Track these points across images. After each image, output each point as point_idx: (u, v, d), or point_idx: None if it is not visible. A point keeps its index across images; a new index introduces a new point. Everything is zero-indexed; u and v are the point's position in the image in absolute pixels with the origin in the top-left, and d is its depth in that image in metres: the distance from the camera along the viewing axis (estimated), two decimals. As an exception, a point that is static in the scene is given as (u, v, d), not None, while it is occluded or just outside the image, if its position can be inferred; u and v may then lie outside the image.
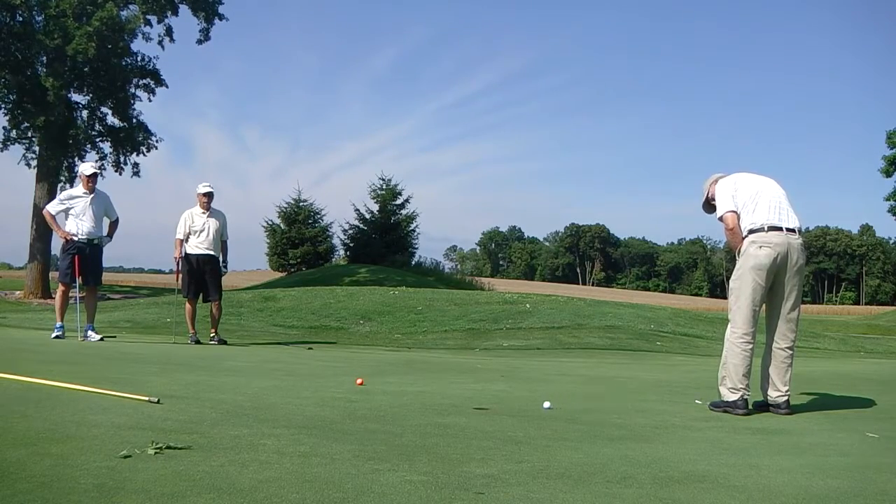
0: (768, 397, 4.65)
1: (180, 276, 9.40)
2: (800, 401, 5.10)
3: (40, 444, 2.96)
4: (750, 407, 4.60)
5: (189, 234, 9.31)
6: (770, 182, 4.78)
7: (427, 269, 38.54)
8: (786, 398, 4.61)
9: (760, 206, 4.59)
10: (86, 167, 9.10)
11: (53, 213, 8.85)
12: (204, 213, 9.34)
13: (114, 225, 9.06)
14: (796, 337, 4.65)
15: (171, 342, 9.23)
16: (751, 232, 4.56)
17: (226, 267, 9.64)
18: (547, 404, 4.60)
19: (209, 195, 9.35)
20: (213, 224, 9.34)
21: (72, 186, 27.73)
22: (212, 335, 9.40)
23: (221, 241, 9.50)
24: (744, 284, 4.54)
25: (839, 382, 6.49)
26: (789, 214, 4.61)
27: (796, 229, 4.58)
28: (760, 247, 4.49)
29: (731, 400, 4.56)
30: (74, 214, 8.65)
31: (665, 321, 15.78)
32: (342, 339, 11.91)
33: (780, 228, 4.53)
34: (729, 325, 4.63)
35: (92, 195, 8.78)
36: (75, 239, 8.61)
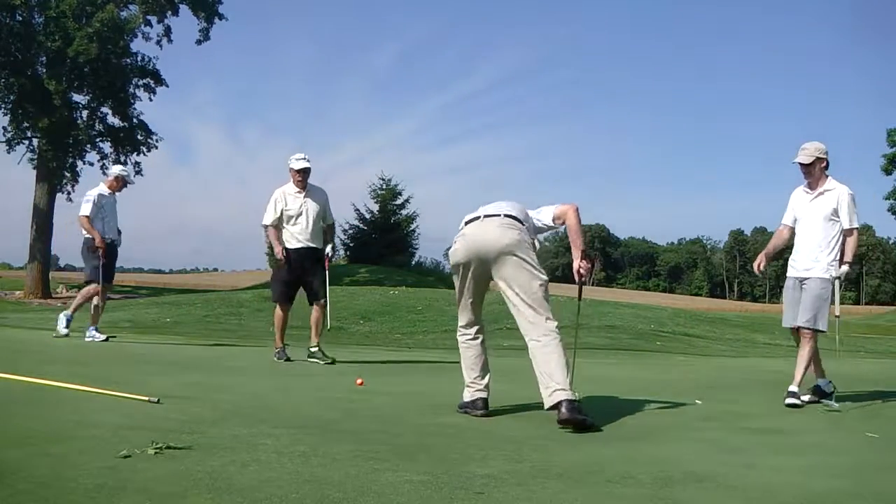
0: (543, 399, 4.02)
1: (283, 274, 7.38)
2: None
3: (40, 444, 2.96)
4: (488, 410, 4.22)
5: (281, 219, 7.31)
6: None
7: (427, 269, 38.58)
8: (562, 396, 3.85)
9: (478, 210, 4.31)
10: (120, 169, 9.13)
11: (92, 217, 8.54)
12: (300, 192, 7.30)
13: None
14: (547, 320, 4.04)
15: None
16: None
17: (333, 253, 7.67)
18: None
19: (305, 172, 7.29)
20: (311, 206, 7.28)
21: (72, 186, 27.97)
22: (313, 347, 7.24)
23: (326, 225, 7.51)
24: (454, 280, 4.34)
25: (839, 382, 6.48)
26: (500, 206, 4.26)
27: (501, 214, 4.17)
28: (455, 240, 4.24)
29: (466, 400, 4.29)
30: (102, 216, 8.61)
31: (665, 321, 15.80)
32: (342, 339, 11.91)
33: (477, 218, 4.21)
34: None
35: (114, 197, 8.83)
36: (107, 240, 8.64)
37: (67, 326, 8.57)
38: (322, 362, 7.03)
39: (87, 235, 8.48)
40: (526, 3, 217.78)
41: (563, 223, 4.36)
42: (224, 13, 28.09)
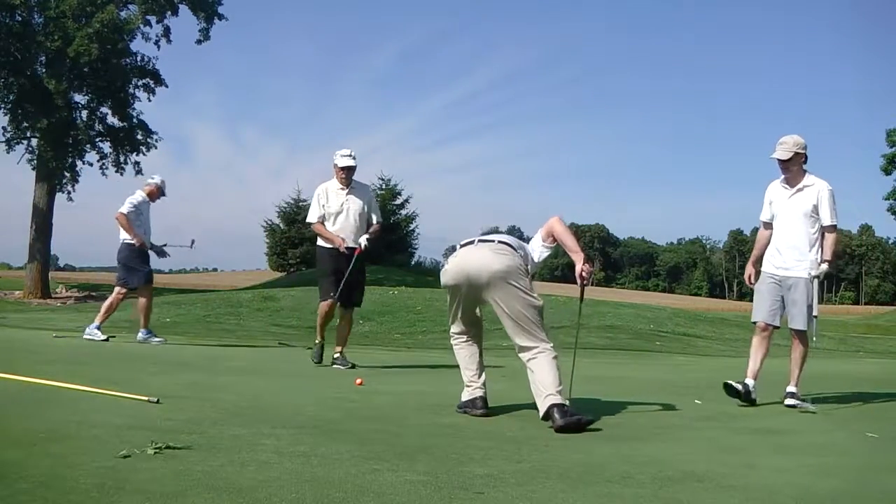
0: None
1: (327, 272, 6.96)
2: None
3: (40, 444, 2.96)
4: (487, 408, 4.31)
5: (324, 216, 7.00)
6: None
7: (427, 269, 38.53)
8: (551, 401, 3.92)
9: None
10: (161, 179, 9.17)
11: (132, 220, 8.60)
12: (342, 189, 7.01)
13: None
14: (541, 343, 4.11)
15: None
16: None
17: (368, 242, 6.99)
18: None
19: (350, 170, 6.97)
20: (354, 205, 6.98)
21: (72, 186, 27.95)
22: (336, 354, 6.95)
23: (369, 225, 7.12)
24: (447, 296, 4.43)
25: (839, 382, 6.50)
26: (496, 235, 4.38)
27: (495, 240, 4.23)
28: (448, 260, 4.33)
29: (465, 400, 4.36)
30: (140, 223, 8.68)
31: (665, 321, 15.81)
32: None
33: (472, 242, 4.30)
34: None
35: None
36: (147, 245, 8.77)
37: (149, 336, 8.69)
38: (343, 367, 6.76)
39: (127, 240, 8.55)
40: (526, 3, 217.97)
41: (554, 240, 4.41)
42: (224, 13, 28.08)
